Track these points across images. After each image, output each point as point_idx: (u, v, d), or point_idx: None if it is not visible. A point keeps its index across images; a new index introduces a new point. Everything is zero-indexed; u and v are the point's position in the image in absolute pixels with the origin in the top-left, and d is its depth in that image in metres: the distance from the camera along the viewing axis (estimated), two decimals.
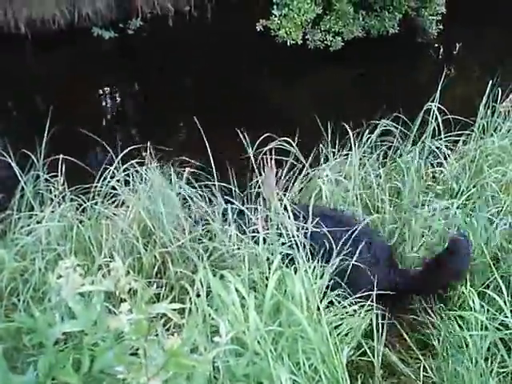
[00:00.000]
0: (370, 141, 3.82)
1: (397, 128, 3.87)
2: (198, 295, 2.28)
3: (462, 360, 2.54)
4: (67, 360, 1.63)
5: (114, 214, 3.29)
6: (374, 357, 2.70)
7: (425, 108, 3.78)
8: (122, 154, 3.49)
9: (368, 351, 2.67)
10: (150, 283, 2.97)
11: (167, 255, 3.08)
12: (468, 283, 2.86)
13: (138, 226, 3.19)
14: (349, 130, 3.76)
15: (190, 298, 2.25)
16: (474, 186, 3.69)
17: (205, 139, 3.35)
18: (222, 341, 1.90)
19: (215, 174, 3.30)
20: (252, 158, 3.16)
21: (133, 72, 7.41)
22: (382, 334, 2.79)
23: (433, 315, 2.94)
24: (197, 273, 2.37)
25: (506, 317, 2.58)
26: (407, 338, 2.97)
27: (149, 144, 3.52)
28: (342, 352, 2.37)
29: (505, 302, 2.67)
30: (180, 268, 2.94)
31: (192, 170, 3.52)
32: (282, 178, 3.62)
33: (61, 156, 3.42)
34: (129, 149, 3.54)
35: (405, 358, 2.99)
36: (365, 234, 3.01)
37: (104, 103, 6.94)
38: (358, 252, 2.83)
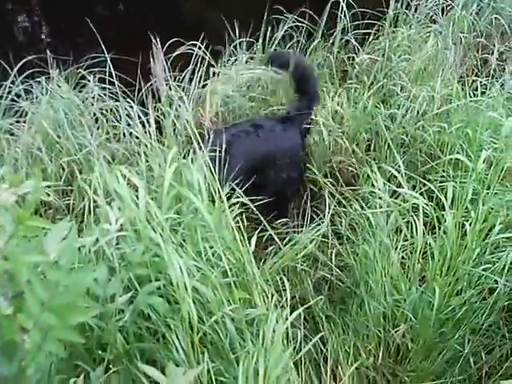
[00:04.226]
0: (276, 38, 3.76)
1: (304, 23, 3.81)
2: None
3: (368, 239, 2.60)
4: None
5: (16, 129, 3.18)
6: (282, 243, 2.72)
7: (332, 0, 3.72)
8: (18, 66, 3.33)
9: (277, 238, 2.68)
10: (57, 192, 2.92)
11: (74, 164, 3.01)
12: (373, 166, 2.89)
13: (42, 138, 3.09)
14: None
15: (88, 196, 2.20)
16: (383, 77, 3.71)
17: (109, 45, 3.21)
18: (111, 228, 1.89)
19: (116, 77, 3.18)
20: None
21: None
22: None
23: (342, 201, 2.99)
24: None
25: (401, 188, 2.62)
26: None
27: (49, 53, 3.36)
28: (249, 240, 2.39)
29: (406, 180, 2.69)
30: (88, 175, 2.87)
31: (99, 76, 3.39)
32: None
33: None
34: (26, 59, 3.38)
35: (321, 247, 3.04)
36: None
37: None
38: None
